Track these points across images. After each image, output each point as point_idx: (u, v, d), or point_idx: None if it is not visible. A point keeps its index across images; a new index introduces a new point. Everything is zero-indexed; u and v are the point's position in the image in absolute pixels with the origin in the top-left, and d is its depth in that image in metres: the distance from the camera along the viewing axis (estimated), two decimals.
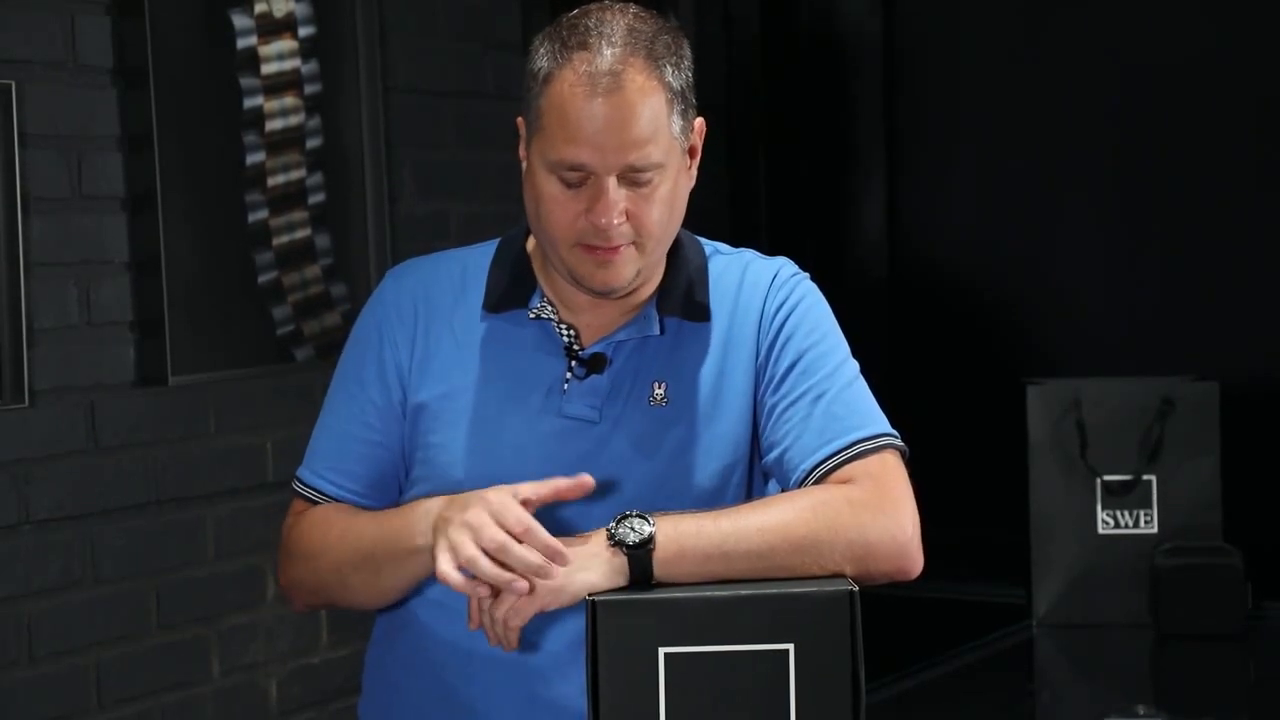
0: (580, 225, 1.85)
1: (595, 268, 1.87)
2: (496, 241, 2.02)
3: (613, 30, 1.83)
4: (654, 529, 1.76)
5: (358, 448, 1.96)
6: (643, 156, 1.83)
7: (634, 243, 1.87)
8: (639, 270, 1.89)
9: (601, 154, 1.82)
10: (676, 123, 1.86)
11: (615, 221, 1.84)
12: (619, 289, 1.90)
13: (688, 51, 1.90)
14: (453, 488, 1.90)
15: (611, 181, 1.83)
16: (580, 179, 1.84)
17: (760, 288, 1.97)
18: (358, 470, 1.96)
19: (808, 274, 2.02)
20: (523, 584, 1.73)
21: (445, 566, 1.74)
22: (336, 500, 1.96)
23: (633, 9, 1.89)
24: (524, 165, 1.91)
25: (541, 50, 1.86)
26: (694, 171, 1.94)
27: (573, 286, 1.92)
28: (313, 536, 1.94)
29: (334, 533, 1.93)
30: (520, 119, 1.91)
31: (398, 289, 1.99)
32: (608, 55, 1.82)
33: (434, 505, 1.83)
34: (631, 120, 1.82)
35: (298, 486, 1.99)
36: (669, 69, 1.85)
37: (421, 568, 1.84)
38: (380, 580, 1.90)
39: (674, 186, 1.88)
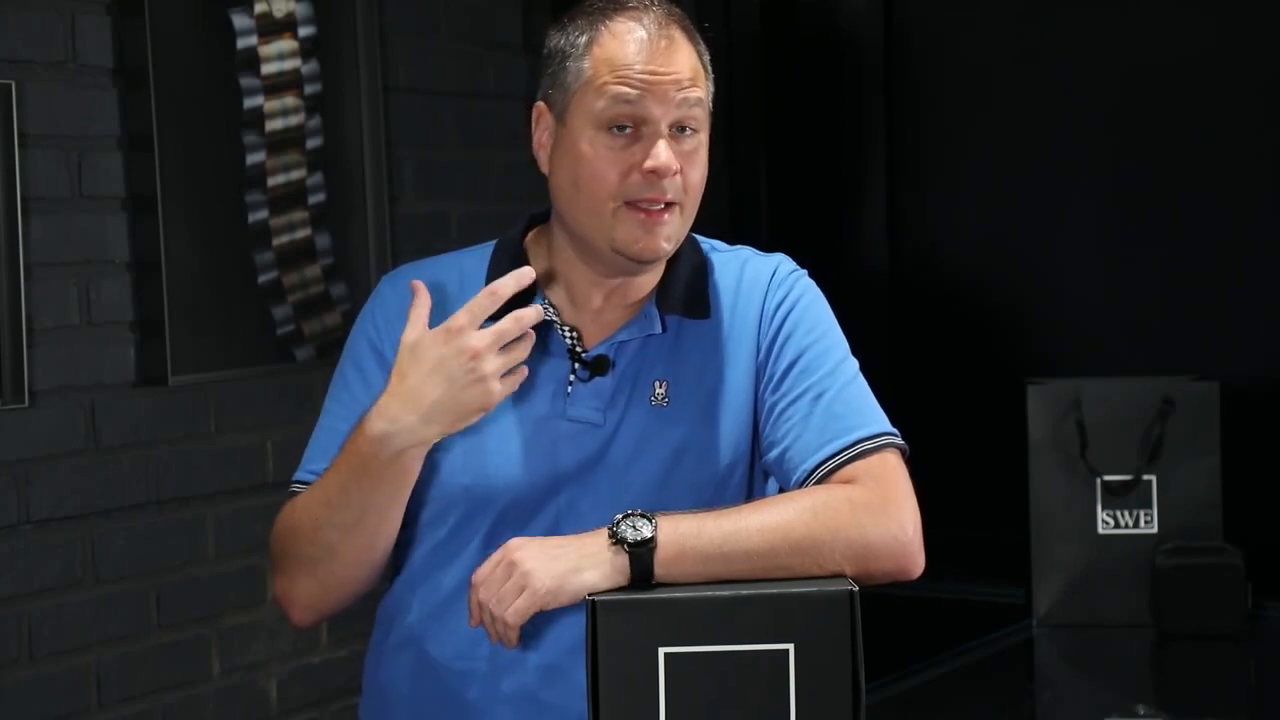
0: (632, 180, 1.86)
1: (642, 232, 1.87)
2: (491, 244, 2.02)
3: (646, 3, 1.90)
4: (655, 528, 1.77)
5: None
6: (693, 102, 1.87)
7: (679, 203, 1.88)
8: (675, 239, 1.91)
9: (659, 95, 1.85)
10: (710, 90, 1.92)
11: (674, 166, 1.86)
12: (661, 256, 1.91)
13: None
14: (458, 493, 1.91)
15: (664, 127, 1.86)
16: (633, 130, 1.86)
17: (759, 285, 1.97)
18: None
19: (805, 270, 2.02)
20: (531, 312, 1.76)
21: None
22: None
23: None
24: (541, 154, 1.93)
25: (570, 28, 1.91)
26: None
27: (599, 256, 1.91)
28: (287, 519, 1.93)
29: (299, 503, 1.91)
30: (539, 103, 1.92)
31: (396, 291, 1.99)
32: (654, 14, 1.89)
33: (379, 415, 1.80)
34: (685, 63, 1.88)
35: (295, 489, 1.98)
36: (700, 44, 1.92)
37: (402, 472, 1.83)
38: (365, 516, 1.86)
39: (705, 153, 1.92)
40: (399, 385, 1.80)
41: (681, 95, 1.86)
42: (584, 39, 1.89)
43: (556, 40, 1.92)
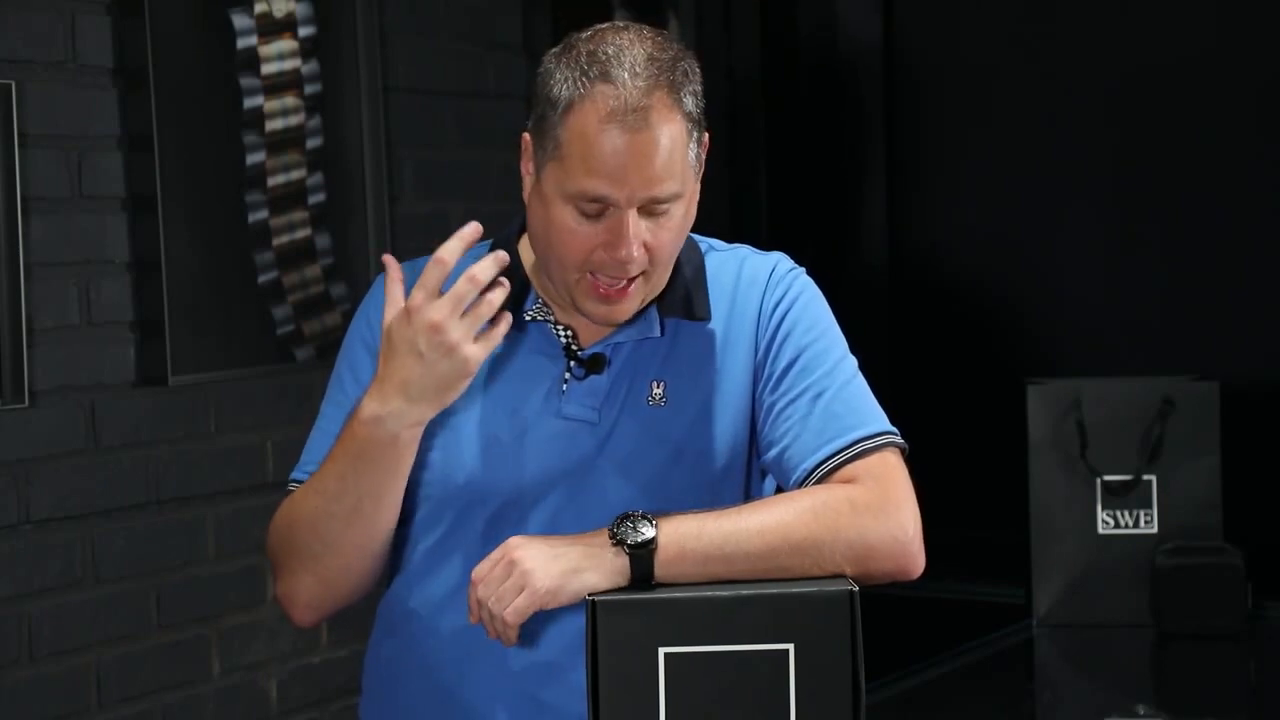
0: (596, 257, 1.84)
1: (603, 304, 1.87)
2: (486, 245, 2.02)
3: (634, 60, 1.82)
4: (655, 530, 1.77)
5: None
6: (665, 190, 1.83)
7: (644, 272, 1.87)
8: (643, 299, 1.90)
9: (626, 189, 1.81)
10: (693, 150, 1.86)
11: (636, 254, 1.84)
12: (620, 321, 1.90)
13: (698, 73, 1.89)
14: (454, 493, 1.91)
15: (632, 214, 1.82)
16: (598, 210, 1.83)
17: (758, 284, 1.96)
18: None
19: (804, 269, 2.01)
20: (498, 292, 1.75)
21: (468, 343, 1.76)
22: None
23: (647, 32, 1.87)
24: (527, 180, 1.91)
25: (557, 76, 1.84)
26: (698, 182, 1.94)
27: (569, 309, 1.92)
28: (284, 516, 1.93)
29: (297, 499, 1.91)
30: (526, 135, 1.89)
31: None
32: (632, 89, 1.80)
33: (370, 401, 1.81)
34: (656, 155, 1.81)
35: (292, 488, 1.97)
36: (688, 98, 1.85)
37: (398, 455, 1.83)
38: (363, 504, 1.86)
39: (687, 210, 1.89)
40: (383, 370, 1.80)
41: (651, 192, 1.82)
42: (564, 101, 1.82)
43: (543, 83, 1.86)
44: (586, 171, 1.81)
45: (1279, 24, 3.89)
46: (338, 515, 1.87)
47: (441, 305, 1.76)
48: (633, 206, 1.82)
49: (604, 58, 1.82)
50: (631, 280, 1.86)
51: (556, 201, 1.84)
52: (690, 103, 1.85)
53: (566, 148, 1.82)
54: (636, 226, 1.83)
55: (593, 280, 1.86)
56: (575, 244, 1.84)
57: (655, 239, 1.85)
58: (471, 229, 1.79)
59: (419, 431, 1.84)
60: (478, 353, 1.78)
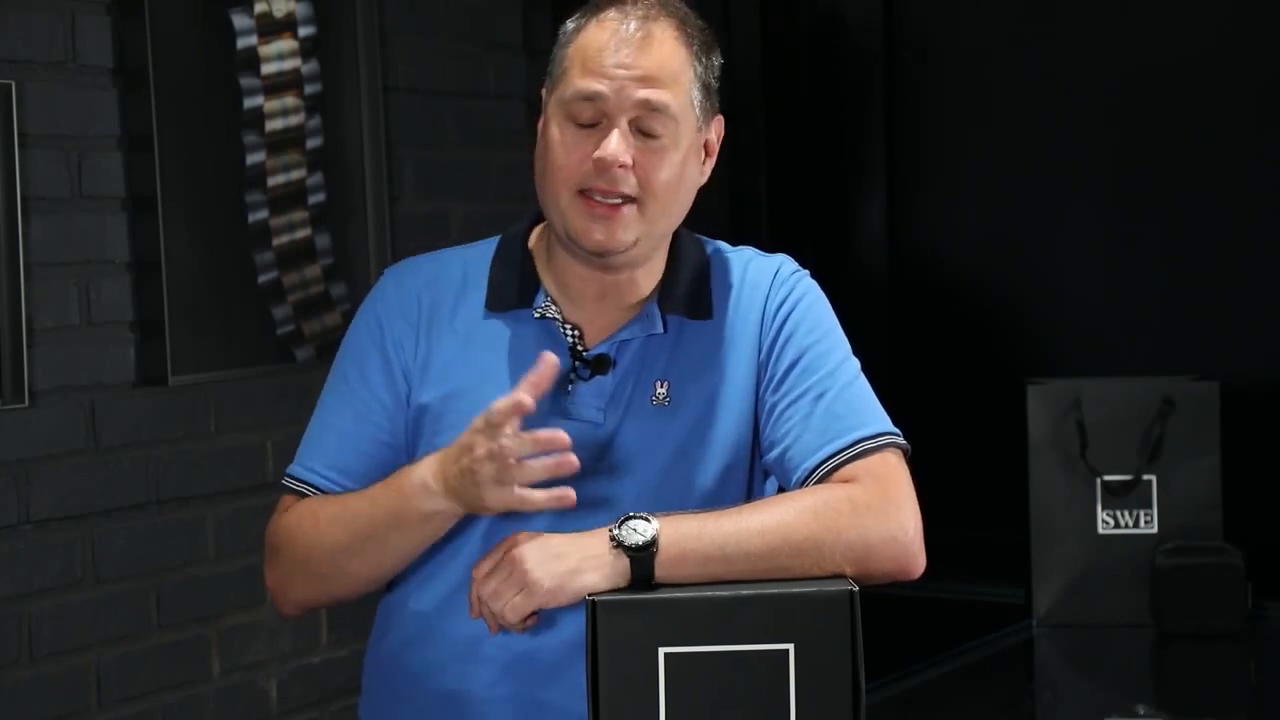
0: (585, 169, 1.85)
1: (591, 222, 1.87)
2: (497, 239, 2.02)
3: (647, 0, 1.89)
4: (656, 531, 1.76)
5: (363, 446, 1.95)
6: (656, 95, 1.85)
7: (636, 200, 1.87)
8: (637, 238, 1.89)
9: (617, 83, 1.84)
10: (697, 96, 1.89)
11: (621, 159, 1.84)
12: (614, 250, 1.88)
13: (718, 54, 1.94)
14: None
15: (622, 122, 1.85)
16: (593, 118, 1.85)
17: (761, 286, 1.97)
18: (359, 469, 1.95)
19: (808, 271, 2.02)
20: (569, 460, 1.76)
21: (517, 495, 1.76)
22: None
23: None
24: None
25: (571, 19, 1.91)
26: (707, 170, 1.95)
27: (569, 249, 1.91)
28: (302, 527, 1.92)
29: (323, 520, 1.91)
30: (543, 91, 1.94)
31: (399, 287, 1.99)
32: (645, 8, 1.88)
33: (426, 470, 1.82)
34: (651, 55, 1.85)
35: (293, 484, 1.97)
36: (697, 45, 1.89)
37: (433, 531, 1.85)
38: (385, 555, 1.89)
39: (684, 158, 1.89)
40: (453, 453, 1.81)
41: (641, 94, 1.84)
42: (572, 27, 1.90)
43: (561, 34, 1.93)
44: (582, 71, 1.85)
45: (1279, 24, 3.89)
46: (359, 555, 1.89)
47: (520, 444, 1.76)
48: (623, 113, 1.84)
49: None
50: (623, 202, 1.86)
51: (555, 121, 1.88)
52: (698, 51, 1.89)
53: (569, 63, 1.87)
54: (625, 135, 1.85)
55: (582, 198, 1.86)
56: (566, 156, 1.86)
57: (646, 162, 1.86)
58: (549, 366, 1.79)
59: (460, 515, 1.85)
60: (511, 500, 1.78)
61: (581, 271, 1.94)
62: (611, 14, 1.88)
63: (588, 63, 1.85)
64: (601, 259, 1.90)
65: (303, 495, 1.97)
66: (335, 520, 1.90)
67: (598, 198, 1.86)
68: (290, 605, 1.99)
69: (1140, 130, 4.04)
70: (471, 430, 1.78)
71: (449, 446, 1.82)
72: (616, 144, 1.84)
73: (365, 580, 1.93)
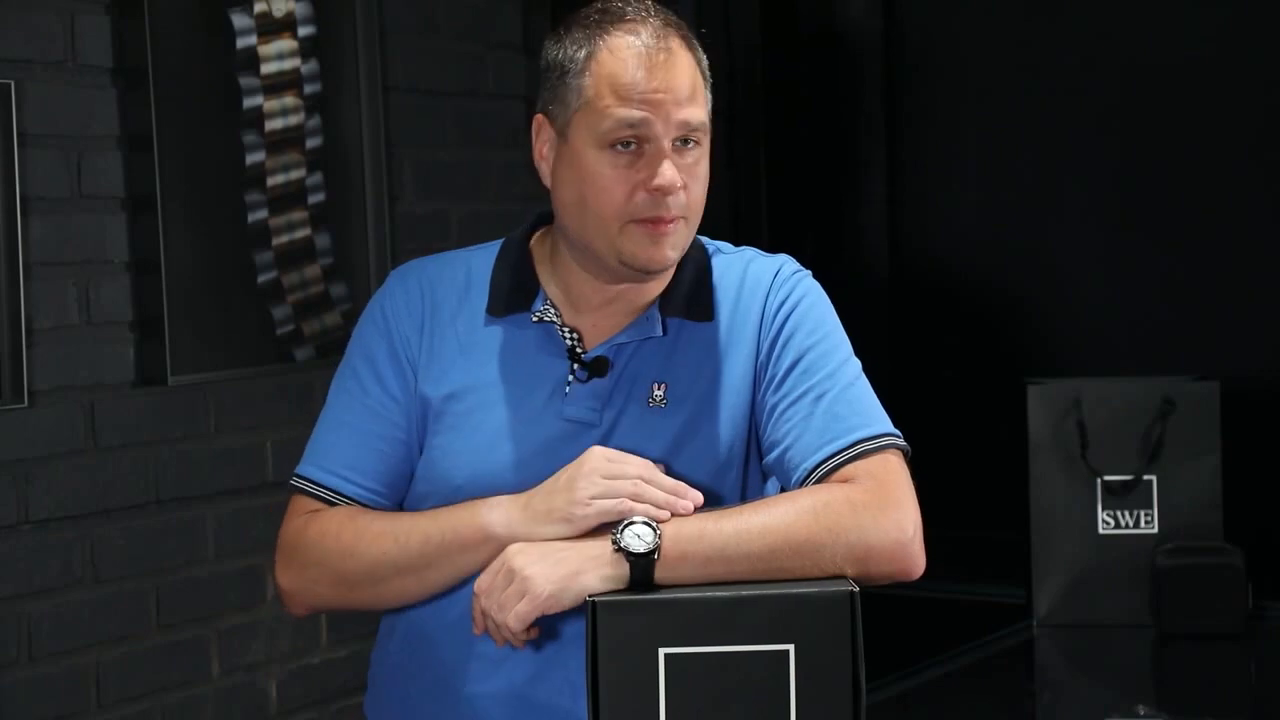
0: (637, 199, 1.86)
1: (650, 243, 1.88)
2: (499, 243, 2.02)
3: (646, 10, 1.90)
4: (657, 534, 1.76)
5: (380, 445, 1.94)
6: (695, 115, 1.87)
7: (684, 218, 1.89)
8: (681, 248, 1.92)
9: (661, 110, 1.85)
10: (708, 100, 1.92)
11: (678, 184, 1.86)
12: (668, 265, 1.91)
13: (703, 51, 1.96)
14: (452, 492, 1.90)
15: (666, 145, 1.86)
16: (635, 148, 1.85)
17: (761, 286, 1.97)
18: (379, 469, 1.94)
19: (809, 271, 2.02)
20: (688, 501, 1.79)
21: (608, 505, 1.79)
22: (354, 500, 1.94)
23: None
24: (544, 165, 1.93)
25: (567, 42, 1.89)
26: None
27: (603, 265, 1.91)
28: (341, 538, 1.90)
29: (368, 535, 1.89)
30: (538, 116, 1.92)
31: (405, 287, 1.99)
32: (649, 27, 1.88)
33: (504, 501, 1.84)
34: (684, 78, 1.87)
35: (306, 486, 1.95)
36: (696, 49, 1.92)
37: (487, 556, 1.84)
38: (430, 577, 1.88)
39: (706, 164, 1.92)
40: (533, 495, 1.83)
41: (683, 114, 1.86)
42: (583, 54, 1.87)
43: (554, 53, 1.91)
44: (620, 102, 1.85)
45: (1279, 24, 3.89)
46: (406, 571, 1.88)
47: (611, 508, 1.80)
48: (669, 135, 1.86)
49: (614, 10, 1.89)
50: (672, 220, 1.88)
51: (589, 151, 1.87)
52: (701, 55, 1.92)
53: (594, 90, 1.86)
54: (672, 158, 1.86)
55: (637, 225, 1.87)
56: (615, 191, 1.86)
57: (688, 181, 1.88)
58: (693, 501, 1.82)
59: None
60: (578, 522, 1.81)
61: (593, 284, 1.95)
62: (621, 35, 1.87)
63: (621, 90, 1.85)
64: (649, 275, 1.92)
65: (316, 497, 1.95)
66: (381, 535, 1.89)
67: (655, 214, 1.87)
68: (302, 608, 1.98)
69: (1140, 131, 4.04)
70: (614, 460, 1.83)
71: (529, 495, 1.85)
72: (672, 171, 1.86)
73: (400, 598, 1.92)
